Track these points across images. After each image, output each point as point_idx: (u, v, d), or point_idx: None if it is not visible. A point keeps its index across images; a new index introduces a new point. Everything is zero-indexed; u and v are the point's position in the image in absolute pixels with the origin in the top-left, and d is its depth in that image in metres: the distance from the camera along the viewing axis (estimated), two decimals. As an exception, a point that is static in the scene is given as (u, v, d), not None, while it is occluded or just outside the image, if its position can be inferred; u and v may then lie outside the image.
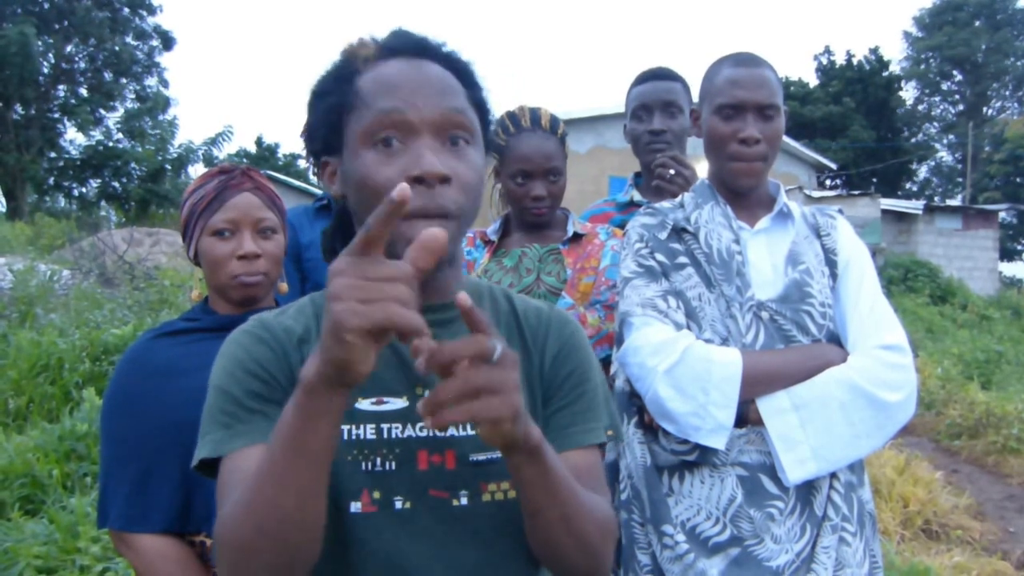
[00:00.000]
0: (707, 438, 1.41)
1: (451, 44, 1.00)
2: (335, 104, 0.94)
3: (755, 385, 1.41)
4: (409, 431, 0.94)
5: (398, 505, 0.92)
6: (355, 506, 0.91)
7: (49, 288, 7.15)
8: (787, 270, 1.53)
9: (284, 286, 1.58)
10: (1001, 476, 5.80)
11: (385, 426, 0.93)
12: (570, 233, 1.89)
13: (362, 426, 0.93)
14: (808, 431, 1.40)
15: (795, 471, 1.40)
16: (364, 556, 0.91)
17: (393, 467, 0.92)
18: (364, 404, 0.94)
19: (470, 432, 0.95)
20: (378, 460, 0.92)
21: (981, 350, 10.07)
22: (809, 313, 1.48)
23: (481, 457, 0.95)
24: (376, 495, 0.92)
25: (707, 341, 1.47)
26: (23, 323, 6.04)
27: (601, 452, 1.06)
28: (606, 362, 1.73)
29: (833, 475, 1.46)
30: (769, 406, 1.42)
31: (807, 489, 1.45)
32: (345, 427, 0.92)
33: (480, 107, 0.99)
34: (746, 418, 1.42)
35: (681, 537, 1.44)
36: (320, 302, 0.99)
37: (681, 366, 1.41)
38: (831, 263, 1.55)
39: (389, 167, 0.89)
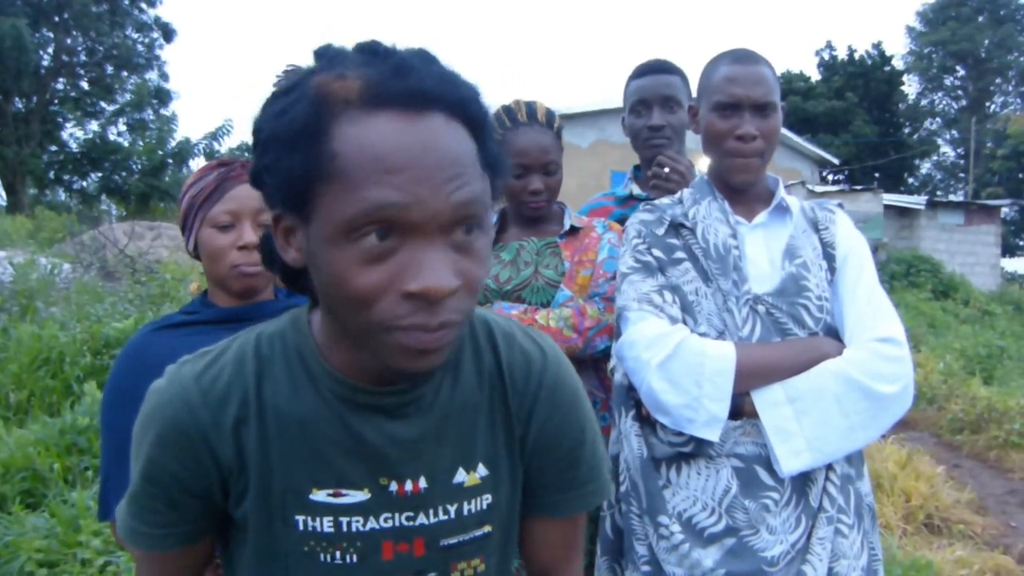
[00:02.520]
0: (700, 430, 1.42)
1: (459, 72, 0.75)
2: (302, 167, 0.70)
3: (749, 378, 1.42)
4: (372, 523, 0.85)
5: None
6: None
7: (50, 282, 7.16)
8: (784, 264, 1.53)
9: None
10: (1003, 471, 5.80)
11: (344, 519, 0.84)
12: (567, 226, 1.90)
13: (318, 519, 0.83)
14: (803, 423, 1.41)
15: (789, 463, 1.41)
16: None
17: (355, 560, 0.84)
18: (319, 496, 0.83)
19: (442, 518, 0.87)
20: (337, 553, 0.84)
21: (983, 345, 10.07)
22: (806, 307, 1.49)
23: (453, 541, 0.88)
24: None
25: (703, 335, 1.47)
26: (24, 317, 6.03)
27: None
28: (606, 353, 1.73)
29: (829, 467, 1.47)
30: (764, 398, 1.43)
31: (802, 481, 1.46)
32: (299, 517, 0.83)
33: (493, 164, 0.77)
34: (741, 410, 1.43)
35: (677, 528, 1.45)
36: (266, 353, 0.85)
37: (675, 359, 1.42)
38: (829, 257, 1.55)
39: (376, 272, 0.69)
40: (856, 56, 32.91)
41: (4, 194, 20.64)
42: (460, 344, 0.89)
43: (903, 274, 15.63)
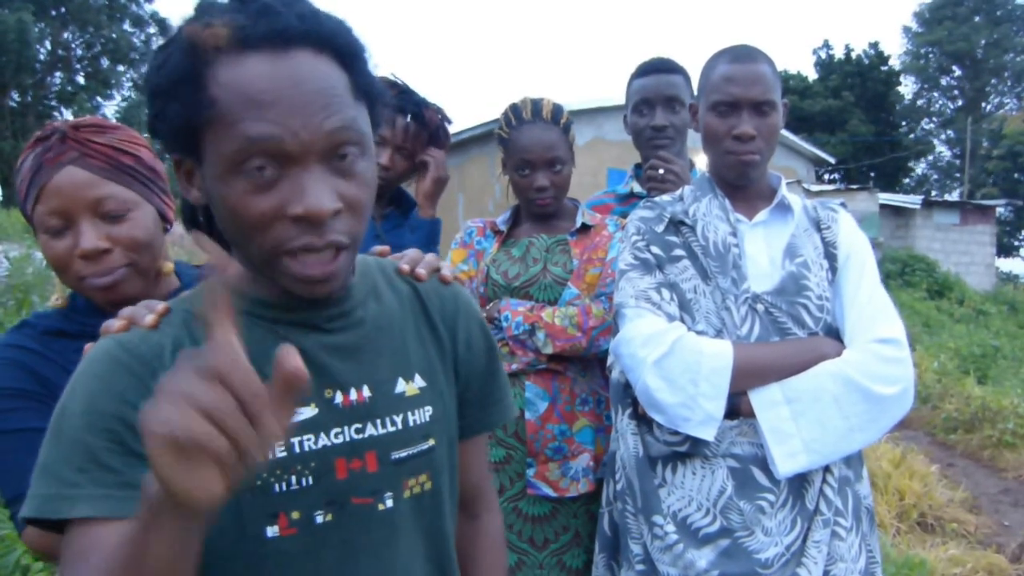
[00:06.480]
0: (696, 429, 1.41)
1: (322, 9, 0.79)
2: (186, 115, 0.75)
3: (747, 377, 1.41)
4: (323, 440, 0.84)
5: (319, 520, 0.83)
6: (271, 531, 0.81)
7: (46, 276, 7.12)
8: (784, 263, 1.52)
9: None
10: (996, 470, 5.83)
11: (295, 440, 0.83)
12: (578, 224, 1.89)
13: None
14: (800, 424, 1.40)
15: (786, 464, 1.40)
16: None
17: (310, 482, 0.83)
18: None
19: (390, 429, 0.89)
20: (292, 478, 0.82)
21: (977, 345, 10.09)
22: (805, 306, 1.48)
23: (403, 454, 0.90)
24: (295, 516, 0.82)
25: (701, 333, 1.46)
26: (19, 311, 6.01)
27: None
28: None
29: (827, 469, 1.45)
30: (761, 398, 1.42)
31: (799, 482, 1.45)
32: None
33: (368, 91, 0.82)
34: (738, 410, 1.42)
35: (671, 528, 1.45)
36: (186, 307, 0.85)
37: (671, 357, 1.41)
38: (831, 256, 1.54)
39: (264, 200, 0.75)
40: (853, 56, 32.91)
41: (0, 188, 20.55)
42: (373, 276, 0.95)
43: (898, 273, 15.65)
